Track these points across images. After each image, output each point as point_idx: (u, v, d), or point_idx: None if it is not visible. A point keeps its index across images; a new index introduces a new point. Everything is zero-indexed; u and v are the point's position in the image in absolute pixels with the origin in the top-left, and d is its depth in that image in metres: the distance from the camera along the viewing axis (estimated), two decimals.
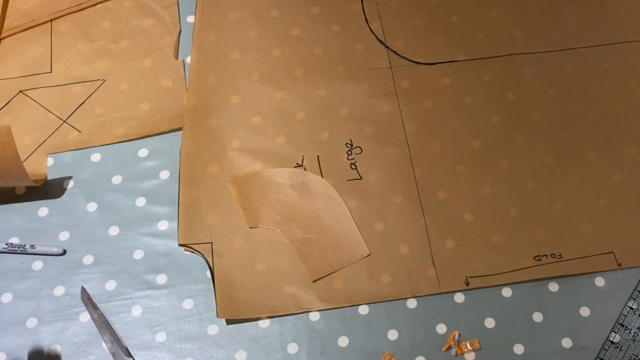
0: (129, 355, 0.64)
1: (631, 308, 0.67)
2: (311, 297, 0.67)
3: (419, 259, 0.69)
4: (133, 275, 0.68)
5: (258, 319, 0.66)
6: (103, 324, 0.65)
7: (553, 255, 0.69)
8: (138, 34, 0.81)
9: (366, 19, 0.83)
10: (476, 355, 0.65)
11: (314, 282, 0.67)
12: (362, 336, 0.65)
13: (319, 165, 0.74)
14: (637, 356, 0.65)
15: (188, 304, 0.67)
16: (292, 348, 0.65)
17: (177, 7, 0.83)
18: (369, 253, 0.68)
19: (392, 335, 0.66)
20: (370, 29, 0.83)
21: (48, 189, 0.72)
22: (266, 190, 0.72)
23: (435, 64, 0.81)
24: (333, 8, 0.84)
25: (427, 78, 0.79)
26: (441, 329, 0.66)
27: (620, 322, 0.67)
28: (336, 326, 0.66)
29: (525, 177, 0.74)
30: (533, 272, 0.68)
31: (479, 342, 0.65)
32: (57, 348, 0.64)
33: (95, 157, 0.74)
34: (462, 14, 0.84)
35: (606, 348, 0.65)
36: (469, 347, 0.65)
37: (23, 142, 0.74)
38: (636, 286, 0.68)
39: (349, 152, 0.75)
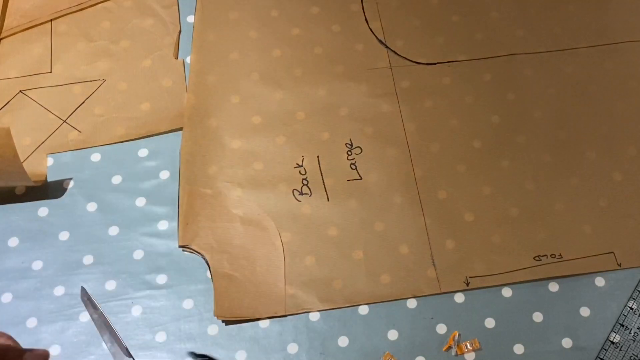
0: (129, 355, 0.64)
1: (631, 308, 0.67)
2: (311, 297, 0.67)
3: (419, 259, 0.69)
4: (133, 275, 0.68)
5: (258, 319, 0.66)
6: (103, 324, 0.65)
7: (553, 256, 0.69)
8: (138, 34, 0.81)
9: (366, 19, 0.83)
10: (476, 355, 0.65)
11: (217, 317, 0.65)
12: (362, 336, 0.65)
13: (319, 166, 0.74)
14: (637, 356, 0.65)
15: (188, 304, 0.67)
16: (292, 348, 0.65)
17: (177, 7, 0.83)
18: (283, 314, 0.66)
19: (392, 335, 0.66)
20: (370, 29, 0.83)
21: (48, 189, 0.72)
22: (215, 214, 0.70)
23: (435, 64, 0.80)
24: (333, 8, 0.84)
25: (427, 78, 0.79)
26: (441, 329, 0.66)
27: (620, 322, 0.67)
28: (336, 326, 0.66)
29: (525, 177, 0.74)
30: (533, 272, 0.68)
31: (479, 342, 0.65)
32: (57, 348, 0.64)
33: (95, 157, 0.74)
34: (462, 14, 0.84)
35: (606, 348, 0.65)
36: (469, 347, 0.65)
37: (23, 142, 0.73)
38: (636, 286, 0.68)
39: (349, 152, 0.75)
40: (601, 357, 0.65)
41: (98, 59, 0.79)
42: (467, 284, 0.68)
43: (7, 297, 0.66)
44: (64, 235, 0.70)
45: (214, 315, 0.65)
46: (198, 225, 0.70)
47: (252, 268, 0.68)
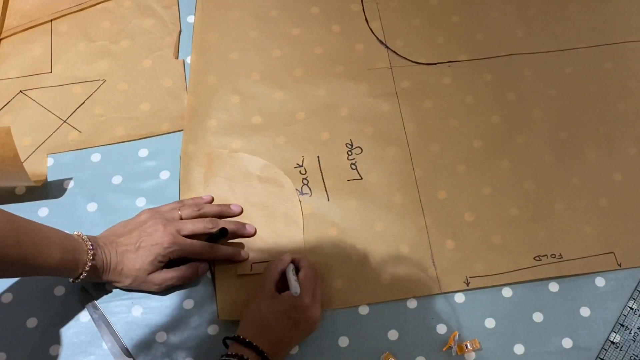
0: (129, 355, 0.64)
1: (631, 308, 0.67)
2: None
3: (419, 259, 0.69)
4: None
5: None
6: (103, 324, 0.65)
7: (553, 256, 0.69)
8: (138, 34, 0.81)
9: (366, 19, 0.83)
10: (476, 355, 0.65)
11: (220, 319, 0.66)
12: (362, 336, 0.65)
13: (319, 165, 0.74)
14: (637, 356, 0.65)
15: (188, 304, 0.67)
16: (293, 348, 0.65)
17: (177, 7, 0.83)
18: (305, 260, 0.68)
19: (392, 335, 0.66)
20: (371, 29, 0.83)
21: (48, 189, 0.72)
22: (234, 173, 0.72)
23: (435, 64, 0.80)
24: (333, 8, 0.84)
25: (427, 78, 0.79)
26: (441, 329, 0.66)
27: (621, 322, 0.67)
28: (336, 326, 0.66)
29: (525, 177, 0.74)
30: (533, 272, 0.68)
31: (479, 342, 0.65)
32: (57, 348, 0.64)
33: (95, 157, 0.74)
34: (462, 14, 0.84)
35: (606, 348, 0.65)
36: (469, 347, 0.65)
37: (23, 143, 0.74)
38: (636, 286, 0.68)
39: (349, 152, 0.75)
40: (601, 357, 0.65)
41: (98, 59, 0.79)
42: (467, 284, 0.68)
43: (7, 297, 0.66)
44: None
45: (218, 319, 0.65)
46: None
47: (272, 224, 0.69)
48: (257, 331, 0.59)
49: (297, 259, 0.64)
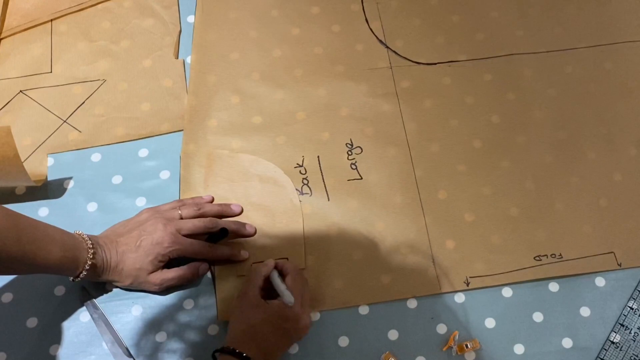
0: (129, 355, 0.64)
1: (631, 308, 0.67)
2: (312, 297, 0.67)
3: (419, 259, 0.69)
4: None
5: None
6: (103, 324, 0.65)
7: (553, 256, 0.69)
8: (138, 34, 0.81)
9: (366, 19, 0.83)
10: (476, 355, 0.65)
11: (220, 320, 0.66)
12: (362, 336, 0.65)
13: (319, 165, 0.74)
14: (637, 356, 0.65)
15: (188, 304, 0.67)
16: (292, 348, 0.65)
17: (177, 7, 0.83)
18: (304, 267, 0.68)
19: (392, 335, 0.66)
20: (371, 29, 0.83)
21: (48, 189, 0.72)
22: (234, 173, 0.72)
23: (435, 64, 0.81)
24: (333, 8, 0.84)
25: (427, 78, 0.79)
26: (441, 329, 0.66)
27: (621, 322, 0.67)
28: (336, 326, 0.66)
29: (525, 177, 0.74)
30: (533, 272, 0.68)
31: (479, 342, 0.65)
32: (57, 348, 0.64)
33: (96, 157, 0.74)
34: (462, 14, 0.84)
35: (606, 348, 0.65)
36: (469, 347, 0.64)
37: (23, 142, 0.74)
38: (636, 286, 0.68)
39: (350, 152, 0.75)
40: (601, 357, 0.65)
41: (98, 59, 0.79)
42: (467, 284, 0.68)
43: (7, 297, 0.66)
44: None
45: (218, 320, 0.65)
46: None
47: (272, 224, 0.69)
48: (247, 340, 0.58)
49: (281, 264, 0.64)
